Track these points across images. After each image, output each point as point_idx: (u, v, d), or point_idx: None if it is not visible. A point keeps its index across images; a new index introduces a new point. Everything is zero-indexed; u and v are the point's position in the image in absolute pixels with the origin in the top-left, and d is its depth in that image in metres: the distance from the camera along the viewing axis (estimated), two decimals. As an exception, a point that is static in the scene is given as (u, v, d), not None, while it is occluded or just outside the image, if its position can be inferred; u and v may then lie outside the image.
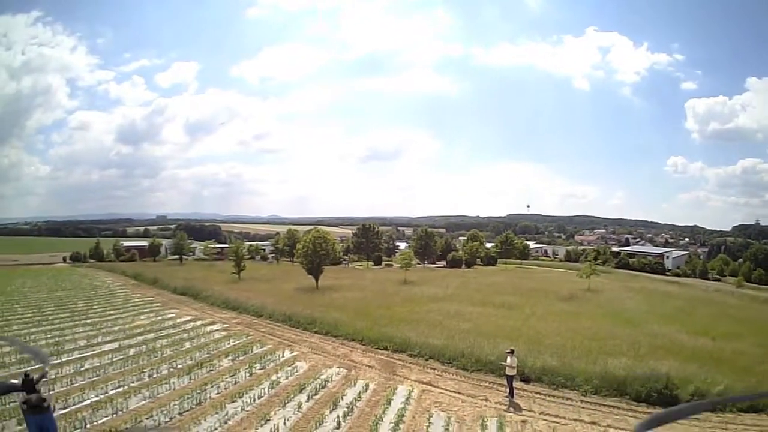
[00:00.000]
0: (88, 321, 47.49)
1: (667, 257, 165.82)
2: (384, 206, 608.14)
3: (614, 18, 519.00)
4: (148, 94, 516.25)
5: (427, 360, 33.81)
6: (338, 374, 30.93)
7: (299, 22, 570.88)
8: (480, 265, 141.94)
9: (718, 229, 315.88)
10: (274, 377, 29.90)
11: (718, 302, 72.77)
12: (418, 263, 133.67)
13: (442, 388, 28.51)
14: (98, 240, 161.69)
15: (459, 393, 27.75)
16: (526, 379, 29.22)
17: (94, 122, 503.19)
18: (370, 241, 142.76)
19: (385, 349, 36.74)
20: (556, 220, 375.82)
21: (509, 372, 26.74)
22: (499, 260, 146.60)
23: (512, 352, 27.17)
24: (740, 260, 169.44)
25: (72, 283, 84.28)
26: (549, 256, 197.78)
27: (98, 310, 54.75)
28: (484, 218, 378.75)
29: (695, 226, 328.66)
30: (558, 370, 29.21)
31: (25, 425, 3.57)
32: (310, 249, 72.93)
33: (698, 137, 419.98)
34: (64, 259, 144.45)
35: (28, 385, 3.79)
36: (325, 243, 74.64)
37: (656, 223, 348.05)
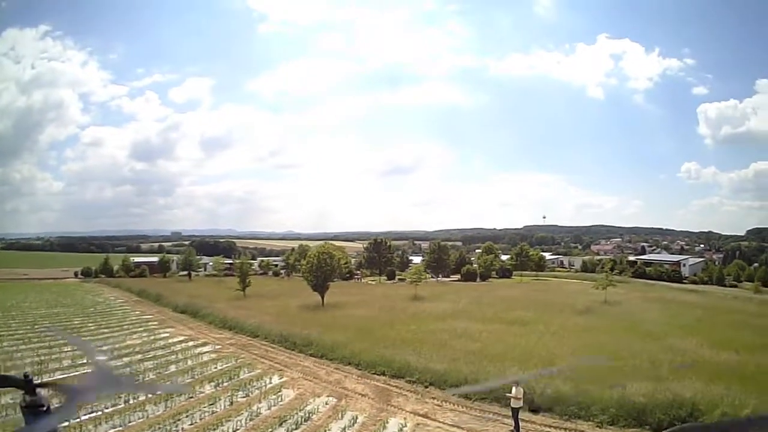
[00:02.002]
0: (81, 340, 44.80)
1: (684, 265, 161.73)
2: (401, 221, 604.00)
3: (625, 24, 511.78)
4: (162, 110, 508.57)
5: (427, 387, 31.18)
6: (326, 405, 28.72)
7: (313, 37, 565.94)
8: (495, 277, 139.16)
9: (733, 233, 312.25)
10: (255, 407, 28.01)
11: (738, 310, 69.72)
12: (432, 277, 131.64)
13: (440, 422, 25.91)
14: (107, 256, 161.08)
15: (458, 427, 25.14)
16: (535, 410, 26.30)
17: (108, 138, 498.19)
18: (382, 255, 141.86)
19: (383, 374, 34.25)
20: (572, 230, 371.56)
21: (514, 404, 23.91)
22: (514, 272, 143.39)
23: (517, 382, 24.32)
24: (756, 264, 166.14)
25: (74, 299, 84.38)
26: (565, 267, 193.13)
27: (92, 328, 54.83)
28: (500, 230, 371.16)
29: (710, 231, 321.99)
30: (571, 398, 26.32)
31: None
32: (315, 265, 70.74)
33: (711, 142, 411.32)
34: (75, 275, 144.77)
35: (29, 387, 3.47)
36: (331, 259, 72.46)
37: (671, 230, 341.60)
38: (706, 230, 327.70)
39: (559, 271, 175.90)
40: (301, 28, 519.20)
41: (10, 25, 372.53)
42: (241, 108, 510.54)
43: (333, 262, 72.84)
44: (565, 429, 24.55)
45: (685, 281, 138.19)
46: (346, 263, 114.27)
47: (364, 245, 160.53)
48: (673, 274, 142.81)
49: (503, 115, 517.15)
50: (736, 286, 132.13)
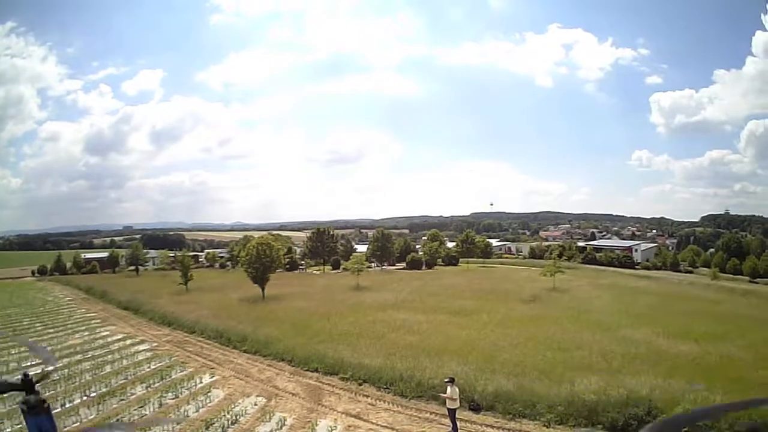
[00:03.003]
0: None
1: (636, 250, 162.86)
2: (348, 209, 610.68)
3: (578, 14, 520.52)
4: (114, 103, 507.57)
5: (360, 384, 29.32)
6: (255, 405, 27.02)
7: (263, 27, 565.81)
8: (441, 265, 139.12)
9: (686, 220, 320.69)
10: (183, 409, 26.57)
11: (695, 297, 68.97)
12: (377, 266, 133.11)
13: (373, 423, 24.10)
14: (59, 253, 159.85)
15: (392, 429, 23.33)
16: (475, 408, 24.29)
17: (64, 133, 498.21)
18: (326, 245, 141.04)
19: (316, 370, 32.41)
20: (520, 217, 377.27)
21: (450, 405, 21.87)
22: (461, 260, 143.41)
23: (452, 381, 22.27)
24: (712, 250, 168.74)
25: (26, 298, 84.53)
26: (513, 254, 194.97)
27: (39, 328, 53.73)
28: (447, 218, 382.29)
29: (662, 218, 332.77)
30: (515, 395, 24.30)
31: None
32: (254, 257, 69.33)
33: (664, 131, 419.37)
34: (33, 273, 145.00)
35: (28, 385, 3.53)
36: (270, 250, 70.63)
37: (622, 216, 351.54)
38: (658, 216, 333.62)
39: (506, 257, 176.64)
40: (252, 19, 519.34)
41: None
42: (190, 99, 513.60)
43: (272, 253, 71.09)
44: (509, 429, 22.63)
45: (637, 267, 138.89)
46: (287, 253, 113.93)
47: (307, 234, 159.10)
48: (624, 260, 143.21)
49: (452, 104, 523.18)
50: (691, 272, 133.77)
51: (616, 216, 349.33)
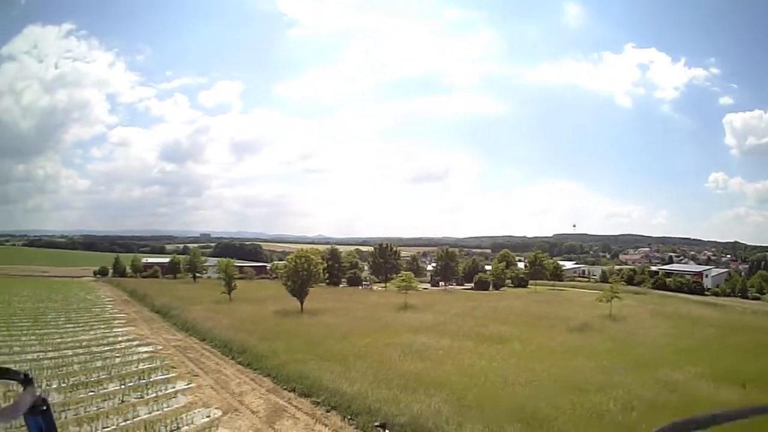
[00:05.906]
0: (40, 332, 47.35)
1: (706, 276, 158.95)
2: (432, 227, 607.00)
3: (651, 34, 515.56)
4: (191, 113, 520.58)
5: (328, 411, 25.91)
6: (206, 417, 25.06)
7: (342, 43, 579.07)
8: (510, 286, 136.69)
9: (759, 244, 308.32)
10: (139, 409, 25.70)
11: (755, 327, 62.88)
12: (443, 285, 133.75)
13: None
14: (117, 256, 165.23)
15: None
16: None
17: (136, 139, 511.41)
18: (388, 261, 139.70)
19: (293, 390, 29.33)
20: (601, 239, 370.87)
21: None
22: (531, 282, 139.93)
23: (383, 426, 17.19)
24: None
25: (66, 295, 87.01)
26: (585, 277, 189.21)
27: (61, 322, 54.97)
28: (530, 238, 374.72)
29: (736, 242, 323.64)
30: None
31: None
32: (292, 270, 68.36)
33: (737, 152, 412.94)
34: (94, 274, 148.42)
35: (28, 385, 2.85)
36: (309, 264, 69.10)
37: (699, 240, 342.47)
38: (732, 240, 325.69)
39: (578, 281, 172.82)
40: (331, 34, 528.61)
41: (32, 22, 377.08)
42: (270, 112, 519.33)
43: (310, 266, 69.52)
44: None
45: (707, 293, 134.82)
46: (351, 269, 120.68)
47: (370, 251, 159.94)
48: (694, 286, 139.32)
49: (532, 124, 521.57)
50: (758, 299, 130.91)
51: (694, 240, 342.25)
